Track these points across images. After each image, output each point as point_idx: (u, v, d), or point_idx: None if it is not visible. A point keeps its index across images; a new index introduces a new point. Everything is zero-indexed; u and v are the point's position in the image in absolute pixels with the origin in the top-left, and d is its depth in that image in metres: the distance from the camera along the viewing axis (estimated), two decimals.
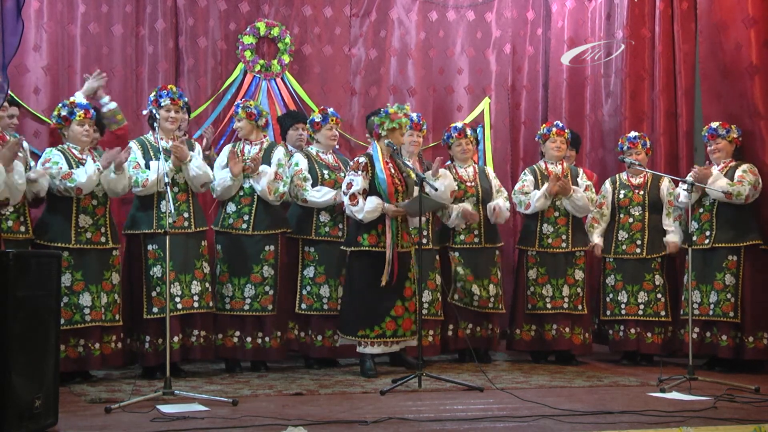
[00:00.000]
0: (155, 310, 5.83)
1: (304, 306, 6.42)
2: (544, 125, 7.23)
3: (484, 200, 6.94)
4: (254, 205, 6.28)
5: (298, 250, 6.53)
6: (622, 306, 6.95)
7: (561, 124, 7.16)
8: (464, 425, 4.41)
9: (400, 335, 6.00)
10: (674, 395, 5.34)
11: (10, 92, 5.59)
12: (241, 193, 6.26)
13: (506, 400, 5.10)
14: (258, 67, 7.93)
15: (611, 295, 7.02)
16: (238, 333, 6.22)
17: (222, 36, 7.90)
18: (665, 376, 5.74)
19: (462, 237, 6.91)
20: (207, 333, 6.05)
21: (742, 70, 6.61)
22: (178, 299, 5.83)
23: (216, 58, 7.88)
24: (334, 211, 6.46)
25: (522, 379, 6.01)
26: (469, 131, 7.02)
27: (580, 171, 7.14)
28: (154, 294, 5.86)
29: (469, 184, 6.93)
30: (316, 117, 6.64)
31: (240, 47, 7.91)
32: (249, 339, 6.23)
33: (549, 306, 6.88)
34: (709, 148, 6.71)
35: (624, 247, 6.98)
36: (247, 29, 7.93)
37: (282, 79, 8.02)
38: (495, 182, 7.09)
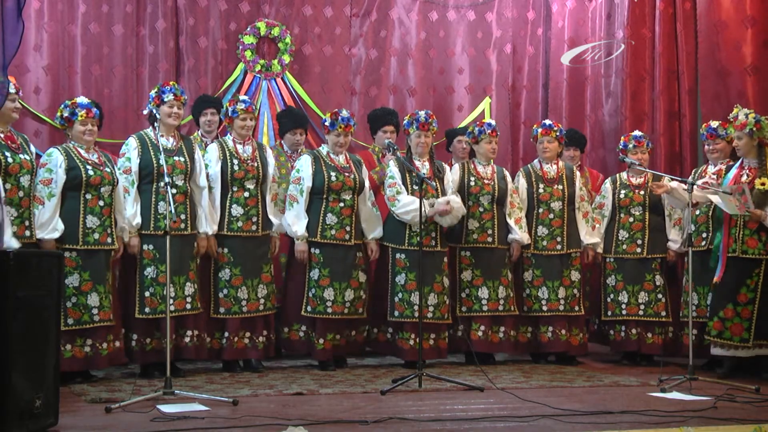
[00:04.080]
0: (147, 310, 5.82)
1: (309, 308, 6.38)
2: (535, 125, 7.12)
3: (499, 200, 6.77)
4: (260, 207, 6.28)
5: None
6: (623, 306, 6.91)
7: (548, 123, 6.99)
8: (464, 425, 4.41)
9: (726, 338, 6.11)
10: (675, 395, 5.34)
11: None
12: (246, 195, 6.24)
13: (507, 400, 5.10)
14: (258, 67, 7.94)
15: (612, 296, 6.99)
16: (248, 334, 6.23)
17: (222, 36, 7.91)
18: (665, 376, 5.74)
19: (475, 236, 6.79)
20: (200, 333, 6.05)
21: (740, 70, 6.62)
22: (171, 300, 5.81)
23: (216, 57, 7.89)
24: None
25: (522, 379, 6.00)
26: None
27: (577, 172, 7.03)
28: (147, 294, 5.84)
29: (486, 181, 6.83)
30: (327, 120, 6.51)
31: (240, 47, 7.92)
32: (260, 339, 6.26)
33: (545, 308, 6.84)
34: (707, 147, 6.67)
35: (624, 246, 6.95)
36: (248, 29, 7.94)
37: (282, 79, 8.03)
38: (510, 186, 6.86)
